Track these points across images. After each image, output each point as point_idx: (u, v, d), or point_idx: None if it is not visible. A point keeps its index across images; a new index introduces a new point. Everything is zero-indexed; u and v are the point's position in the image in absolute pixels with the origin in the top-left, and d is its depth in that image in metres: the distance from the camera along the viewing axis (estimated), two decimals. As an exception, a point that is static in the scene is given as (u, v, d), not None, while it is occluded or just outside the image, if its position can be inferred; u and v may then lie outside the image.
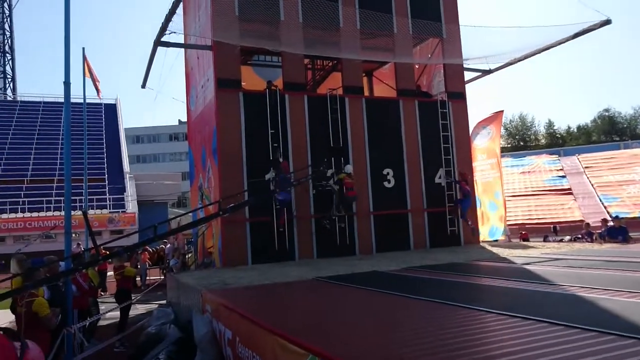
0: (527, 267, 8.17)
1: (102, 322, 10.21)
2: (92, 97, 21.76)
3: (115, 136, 40.53)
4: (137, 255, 18.15)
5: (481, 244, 13.67)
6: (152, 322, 8.06)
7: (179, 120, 64.89)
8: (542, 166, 30.88)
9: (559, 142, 61.45)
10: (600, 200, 25.68)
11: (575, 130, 66.40)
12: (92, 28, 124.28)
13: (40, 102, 44.06)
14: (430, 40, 14.15)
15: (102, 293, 14.71)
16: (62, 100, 12.45)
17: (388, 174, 12.68)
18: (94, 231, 7.33)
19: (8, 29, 57.70)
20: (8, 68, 57.56)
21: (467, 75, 14.76)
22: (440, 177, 13.29)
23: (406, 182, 12.86)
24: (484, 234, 15.17)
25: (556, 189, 28.04)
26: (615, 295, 5.15)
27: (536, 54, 13.92)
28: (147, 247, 19.49)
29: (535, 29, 12.53)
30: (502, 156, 17.17)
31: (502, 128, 18.97)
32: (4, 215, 30.37)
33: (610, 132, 61.83)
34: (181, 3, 12.26)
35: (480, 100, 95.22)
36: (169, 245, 19.09)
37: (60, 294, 6.95)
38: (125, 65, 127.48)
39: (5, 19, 57.46)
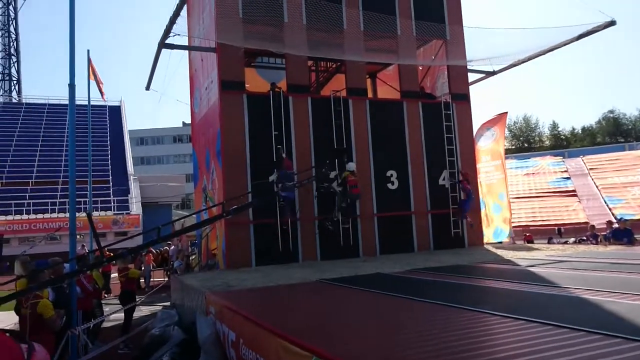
0: (532, 269, 8.14)
1: (106, 324, 10.24)
2: (96, 99, 21.84)
3: (120, 138, 40.69)
4: (141, 257, 18.16)
5: (485, 245, 13.64)
6: (156, 323, 8.07)
7: (183, 122, 65.03)
8: (546, 168, 30.83)
9: (564, 144, 61.23)
10: (605, 202, 25.61)
11: (580, 131, 66.20)
12: (96, 30, 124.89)
13: (45, 104, 44.32)
14: (434, 41, 14.13)
15: (106, 295, 14.74)
16: (66, 102, 12.49)
17: (392, 175, 12.66)
18: (98, 233, 7.35)
19: (13, 32, 58.05)
20: (13, 70, 57.92)
21: (471, 77, 14.76)
22: (444, 179, 13.27)
23: (410, 184, 12.84)
24: (488, 235, 15.12)
25: (560, 191, 27.98)
26: (621, 298, 5.12)
27: (540, 55, 13.89)
28: (152, 248, 19.52)
29: (539, 30, 12.53)
30: (506, 158, 17.12)
31: (506, 129, 18.91)
32: (9, 217, 30.52)
33: (615, 133, 61.55)
34: (185, 5, 12.31)
35: (484, 101, 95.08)
36: (173, 247, 19.11)
37: (64, 296, 6.98)
38: (130, 67, 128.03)
39: (10, 22, 57.80)
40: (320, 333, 4.35)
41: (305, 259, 11.48)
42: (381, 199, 12.44)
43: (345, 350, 3.67)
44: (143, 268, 18.06)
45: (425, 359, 3.33)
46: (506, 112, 16.61)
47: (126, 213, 32.54)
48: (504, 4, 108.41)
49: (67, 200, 18.84)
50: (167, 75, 40.83)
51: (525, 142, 65.47)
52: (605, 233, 13.98)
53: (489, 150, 16.18)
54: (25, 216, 30.77)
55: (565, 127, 76.28)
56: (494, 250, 12.39)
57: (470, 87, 14.41)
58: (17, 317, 6.03)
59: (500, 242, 15.06)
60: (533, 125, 67.57)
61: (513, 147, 62.21)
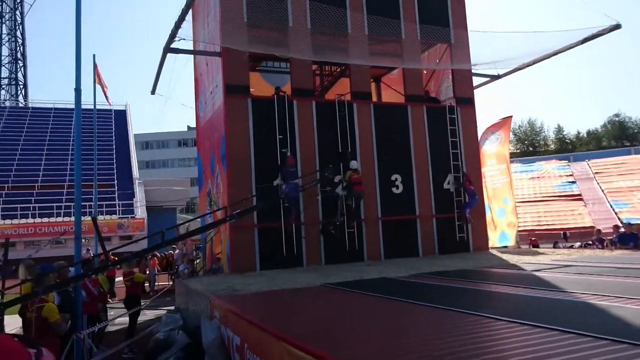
0: (537, 274, 8.10)
1: (111, 328, 10.25)
2: (102, 103, 21.93)
3: (125, 142, 40.84)
4: (146, 261, 18.21)
5: (490, 250, 13.59)
6: (160, 328, 8.08)
7: (188, 126, 65.32)
8: (551, 172, 30.68)
9: (569, 148, 60.94)
10: (611, 206, 25.45)
11: (585, 135, 65.87)
12: (101, 34, 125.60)
13: (51, 109, 44.56)
14: (438, 45, 14.14)
15: (111, 299, 14.76)
16: (72, 106, 12.56)
17: (396, 179, 12.64)
18: (103, 237, 7.38)
19: (20, 37, 58.49)
20: (20, 75, 58.33)
21: (476, 81, 14.71)
22: (449, 183, 13.23)
23: (414, 188, 12.82)
24: (493, 240, 15.07)
25: (566, 195, 27.82)
26: (628, 303, 5.09)
27: (545, 59, 13.85)
28: (156, 252, 19.56)
29: (544, 34, 12.50)
30: (511, 162, 17.07)
31: (511, 133, 18.85)
32: (15, 221, 30.63)
33: (620, 137, 61.22)
34: (190, 10, 12.35)
35: (488, 105, 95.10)
36: (177, 251, 19.16)
37: (70, 300, 7.00)
38: (135, 71, 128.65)
39: (17, 27, 58.26)
40: (325, 337, 4.34)
41: (310, 263, 11.46)
42: (386, 203, 12.42)
43: (350, 355, 3.66)
44: (148, 272, 18.09)
45: (430, 364, 3.32)
46: (511, 116, 16.59)
47: (131, 217, 32.62)
48: (507, 7, 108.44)
49: (72, 204, 18.91)
50: (172, 79, 41.07)
51: (530, 146, 65.24)
52: (611, 237, 13.90)
53: (494, 154, 16.15)
54: (30, 220, 30.89)
55: (570, 130, 76.11)
56: (499, 254, 12.34)
57: (475, 91, 14.40)
58: (21, 321, 6.03)
59: (506, 247, 15.00)
60: (538, 129, 67.37)
61: (518, 151, 61.98)
